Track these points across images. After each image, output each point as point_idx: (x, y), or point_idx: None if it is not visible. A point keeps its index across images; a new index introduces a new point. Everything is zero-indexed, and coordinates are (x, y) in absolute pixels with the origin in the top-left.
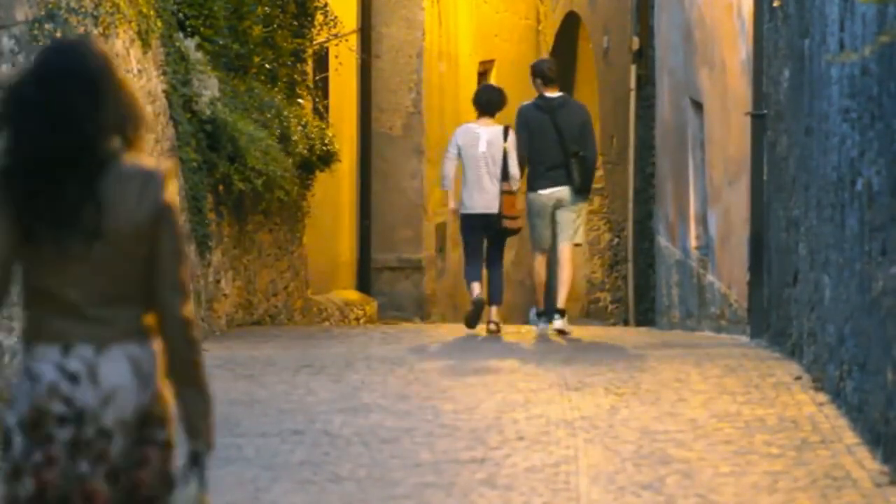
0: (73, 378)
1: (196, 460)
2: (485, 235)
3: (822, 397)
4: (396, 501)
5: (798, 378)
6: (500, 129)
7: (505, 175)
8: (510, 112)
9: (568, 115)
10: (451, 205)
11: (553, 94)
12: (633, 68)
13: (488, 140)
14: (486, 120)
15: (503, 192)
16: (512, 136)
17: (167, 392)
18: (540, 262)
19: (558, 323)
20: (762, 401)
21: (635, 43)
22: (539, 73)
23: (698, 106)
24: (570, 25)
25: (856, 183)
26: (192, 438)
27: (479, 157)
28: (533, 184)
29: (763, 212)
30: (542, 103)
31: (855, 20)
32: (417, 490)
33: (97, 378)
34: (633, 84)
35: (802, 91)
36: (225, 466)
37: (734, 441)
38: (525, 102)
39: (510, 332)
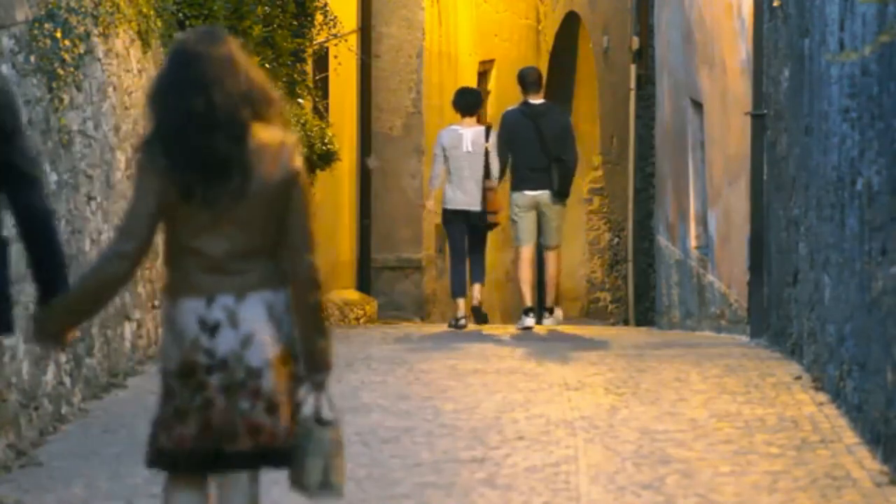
0: (212, 330)
1: (319, 387)
2: (467, 230)
3: (822, 397)
4: (396, 501)
5: (798, 378)
6: (482, 129)
7: (487, 173)
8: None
9: (550, 121)
10: (429, 204)
11: (537, 100)
12: (633, 68)
13: (472, 140)
14: (468, 120)
15: (486, 189)
16: (493, 135)
17: (295, 331)
18: (522, 257)
19: (548, 321)
20: (762, 401)
21: (635, 43)
22: (521, 82)
23: (698, 106)
24: (570, 25)
25: (856, 183)
26: (314, 369)
27: (462, 157)
28: (516, 185)
29: (763, 212)
30: (526, 109)
31: (855, 20)
32: (417, 490)
33: (237, 323)
34: (633, 84)
35: (802, 91)
36: None
37: (734, 441)
38: (510, 108)
39: (509, 332)
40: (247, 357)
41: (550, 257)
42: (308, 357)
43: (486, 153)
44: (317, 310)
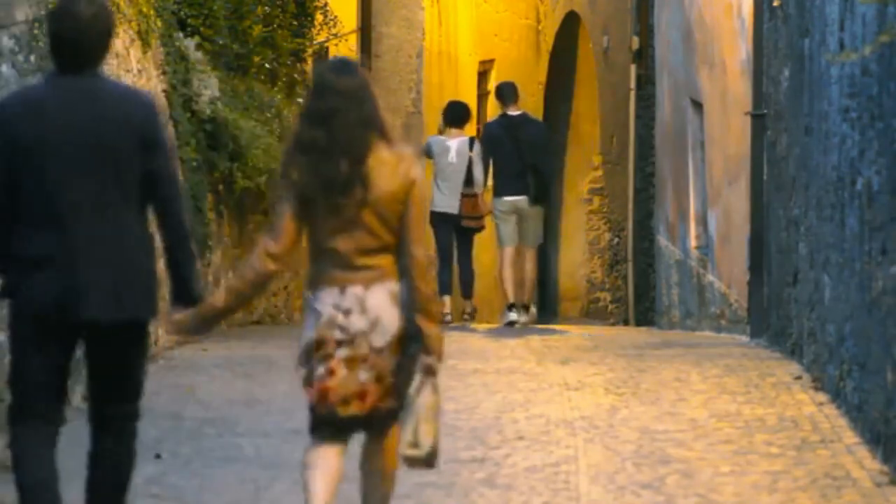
0: (346, 312)
1: (430, 371)
2: (453, 232)
3: (822, 397)
4: (396, 501)
5: (798, 378)
6: (466, 139)
7: (469, 181)
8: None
9: (527, 131)
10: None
11: (515, 112)
12: (633, 68)
13: (457, 150)
14: (453, 131)
15: (465, 196)
16: (477, 146)
17: (414, 317)
18: (505, 258)
19: (522, 318)
20: (762, 401)
21: (635, 43)
22: (499, 95)
23: (698, 106)
24: (570, 25)
25: (856, 183)
26: (427, 355)
27: (447, 166)
28: (498, 192)
29: (763, 212)
30: (504, 121)
31: (855, 20)
32: (417, 490)
33: (365, 309)
34: (633, 84)
35: (802, 91)
36: (225, 466)
37: (734, 441)
38: (490, 120)
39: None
40: (372, 338)
41: (528, 256)
42: (422, 341)
43: (470, 162)
44: (428, 298)
